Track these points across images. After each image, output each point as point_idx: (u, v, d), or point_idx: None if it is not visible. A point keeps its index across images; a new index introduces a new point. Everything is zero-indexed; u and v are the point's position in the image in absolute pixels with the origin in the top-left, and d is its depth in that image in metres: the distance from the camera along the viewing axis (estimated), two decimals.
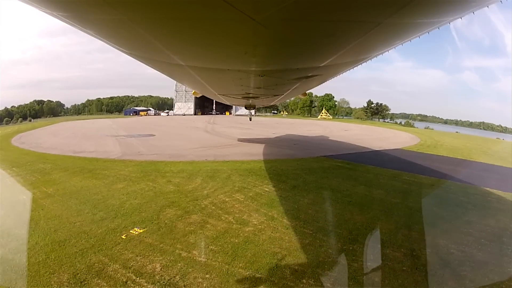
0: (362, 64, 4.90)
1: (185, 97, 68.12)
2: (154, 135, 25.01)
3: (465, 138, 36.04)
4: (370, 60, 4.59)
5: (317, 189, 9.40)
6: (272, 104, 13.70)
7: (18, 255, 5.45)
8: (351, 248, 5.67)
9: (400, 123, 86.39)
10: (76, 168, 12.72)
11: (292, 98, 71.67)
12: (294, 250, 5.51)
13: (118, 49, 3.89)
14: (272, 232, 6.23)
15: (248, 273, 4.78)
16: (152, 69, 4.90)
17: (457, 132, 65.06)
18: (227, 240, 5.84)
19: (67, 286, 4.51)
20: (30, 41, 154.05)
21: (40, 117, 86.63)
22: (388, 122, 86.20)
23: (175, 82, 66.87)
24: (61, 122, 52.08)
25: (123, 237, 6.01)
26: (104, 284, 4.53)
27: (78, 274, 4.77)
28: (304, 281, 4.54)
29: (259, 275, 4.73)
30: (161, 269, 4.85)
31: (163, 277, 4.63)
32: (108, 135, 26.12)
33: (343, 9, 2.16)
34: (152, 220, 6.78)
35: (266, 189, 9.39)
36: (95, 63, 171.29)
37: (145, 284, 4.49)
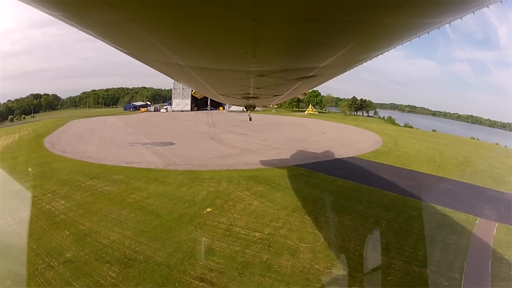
0: (362, 64, 5.28)
1: (182, 94, 76.53)
2: (174, 144, 34.60)
3: (432, 141, 41.95)
4: (370, 60, 4.90)
5: (284, 189, 19.70)
6: (272, 104, 15.37)
7: (165, 224, 15.03)
8: (293, 214, 15.99)
9: (383, 117, 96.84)
10: (144, 177, 22.03)
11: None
12: (270, 214, 15.87)
13: (118, 49, 4.16)
14: (263, 208, 16.57)
15: (255, 220, 15.10)
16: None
17: (434, 130, 70.73)
18: (246, 211, 16.13)
19: (194, 231, 14.49)
20: (20, 33, 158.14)
21: (38, 112, 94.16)
22: (372, 116, 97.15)
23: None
24: (70, 120, 59.97)
25: (204, 212, 16.07)
26: (208, 227, 14.57)
27: (196, 225, 14.76)
28: (273, 223, 14.84)
29: (260, 222, 15.02)
30: (225, 220, 15.05)
31: (227, 224, 14.80)
32: (135, 142, 35.35)
33: (343, 9, 2.34)
34: (212, 205, 16.89)
35: (260, 189, 19.57)
36: (84, 52, 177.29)
37: (223, 225, 14.64)
